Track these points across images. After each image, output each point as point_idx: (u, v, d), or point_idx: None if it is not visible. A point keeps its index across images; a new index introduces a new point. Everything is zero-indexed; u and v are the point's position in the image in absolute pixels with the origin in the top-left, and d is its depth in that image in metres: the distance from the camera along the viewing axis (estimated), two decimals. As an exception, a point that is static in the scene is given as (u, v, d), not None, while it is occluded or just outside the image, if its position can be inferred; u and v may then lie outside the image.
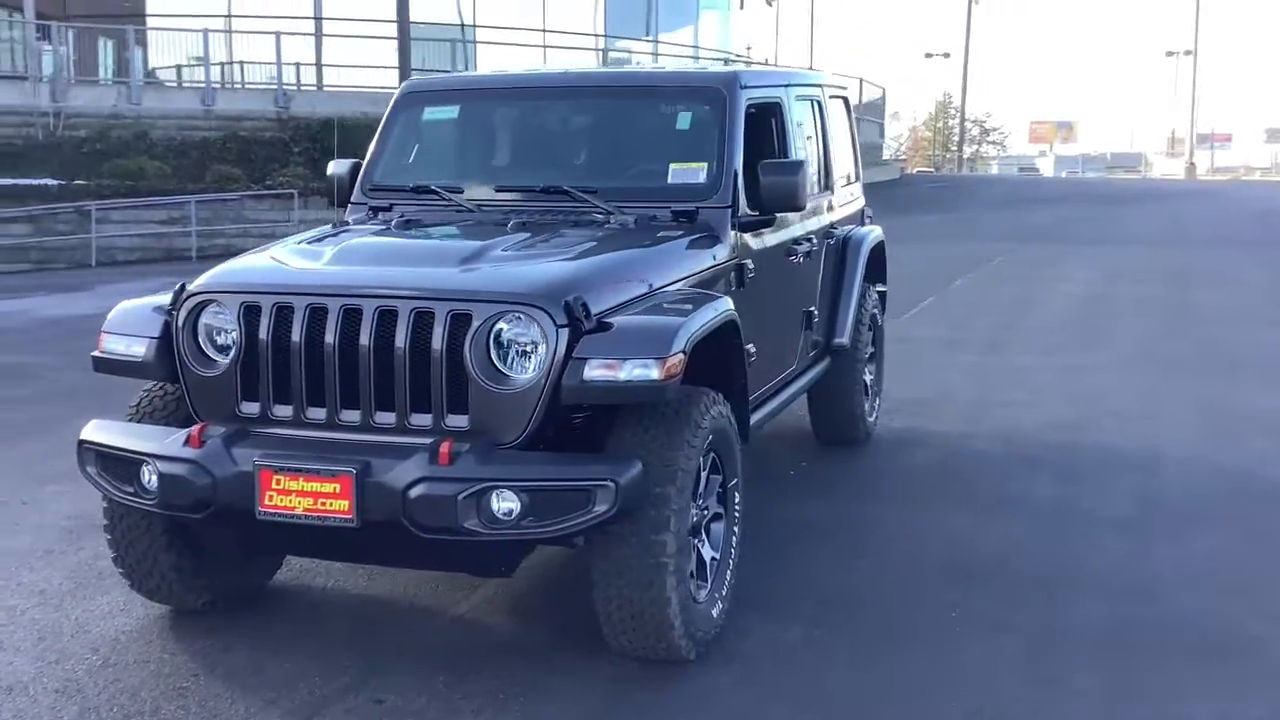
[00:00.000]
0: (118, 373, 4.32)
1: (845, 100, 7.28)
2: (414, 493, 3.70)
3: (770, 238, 5.39)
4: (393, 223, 4.95)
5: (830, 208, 6.48)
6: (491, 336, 3.88)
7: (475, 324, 3.86)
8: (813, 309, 6.03)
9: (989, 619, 4.53)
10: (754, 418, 5.30)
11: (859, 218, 7.22)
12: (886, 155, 44.63)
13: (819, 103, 6.47)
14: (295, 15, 27.46)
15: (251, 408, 4.07)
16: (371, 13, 27.38)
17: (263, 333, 4.03)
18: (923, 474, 6.54)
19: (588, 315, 3.87)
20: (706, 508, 4.32)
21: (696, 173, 5.03)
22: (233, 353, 4.08)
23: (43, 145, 22.31)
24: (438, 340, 3.87)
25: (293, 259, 4.41)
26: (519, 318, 3.87)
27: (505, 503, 3.72)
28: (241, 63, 28.56)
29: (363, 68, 26.91)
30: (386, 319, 3.92)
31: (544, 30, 30.45)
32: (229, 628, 4.51)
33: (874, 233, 6.99)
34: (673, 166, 5.09)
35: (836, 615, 4.61)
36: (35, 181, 20.90)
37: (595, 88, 5.57)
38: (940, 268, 15.43)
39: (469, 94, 5.61)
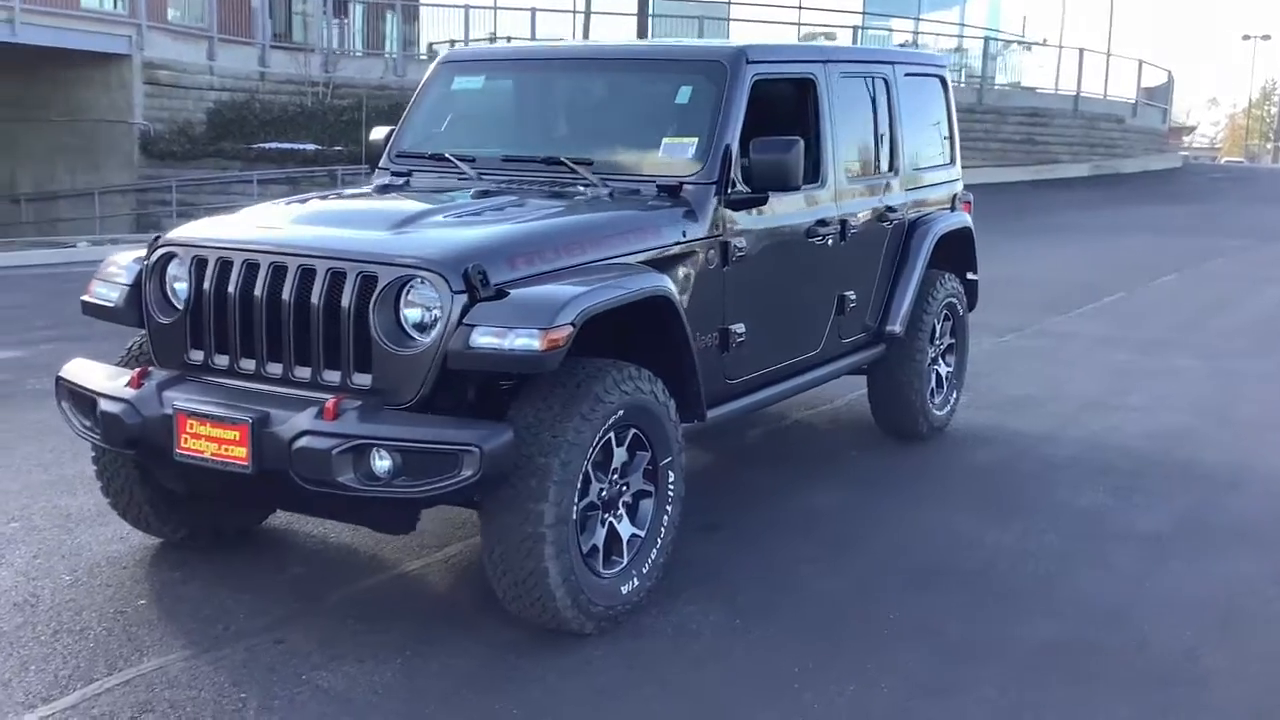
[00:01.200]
0: (99, 317, 4.65)
1: (942, 80, 6.98)
2: (297, 445, 3.85)
3: (777, 217, 5.27)
4: (374, 187, 5.13)
5: (890, 189, 6.25)
6: (395, 299, 3.98)
7: (380, 286, 3.97)
8: (848, 293, 5.85)
9: (921, 626, 4.33)
10: (748, 400, 5.24)
11: (949, 202, 6.93)
12: (1200, 143, 41.98)
13: (886, 80, 6.24)
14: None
15: (197, 356, 4.33)
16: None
17: (206, 284, 4.27)
18: (968, 474, 6.24)
19: (485, 283, 3.92)
20: (625, 484, 4.30)
21: (686, 147, 4.98)
22: (184, 303, 4.34)
23: (311, 112, 23.85)
24: (347, 300, 4.00)
25: (257, 217, 4.64)
26: (421, 282, 3.95)
27: (381, 461, 3.82)
28: (508, 38, 29.59)
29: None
30: (307, 277, 4.09)
31: (799, 7, 30.20)
32: (200, 563, 4.80)
33: (949, 219, 6.71)
34: (665, 140, 5.05)
35: (770, 606, 4.50)
36: (297, 146, 22.47)
37: (604, 60, 5.58)
38: (1152, 261, 14.55)
39: (496, 65, 5.73)
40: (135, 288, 4.53)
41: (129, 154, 22.08)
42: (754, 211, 5.08)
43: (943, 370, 6.85)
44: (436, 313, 3.93)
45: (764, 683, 3.90)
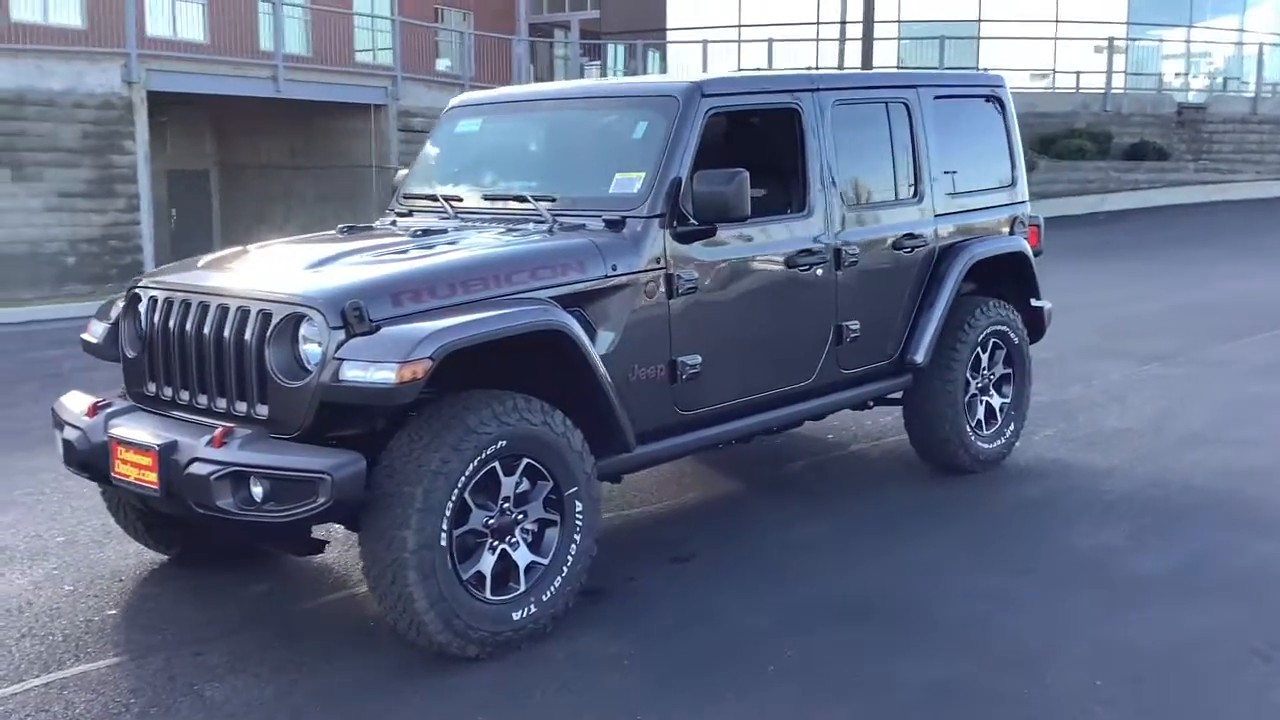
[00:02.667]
0: (90, 353, 5.15)
1: (998, 100, 6.74)
2: (187, 471, 4.19)
3: (743, 247, 5.26)
4: (337, 229, 5.45)
5: (912, 215, 6.09)
6: (289, 336, 4.26)
7: (273, 323, 4.27)
8: (849, 323, 5.73)
9: (809, 664, 4.24)
10: (711, 432, 5.25)
11: (1006, 226, 6.68)
12: None
13: (906, 105, 6.10)
14: (795, 22, 28.32)
15: (150, 388, 4.74)
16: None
17: (156, 322, 4.69)
18: (992, 509, 5.98)
19: (361, 319, 4.14)
20: (522, 513, 4.42)
21: (633, 182, 5.06)
22: (142, 339, 4.78)
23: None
24: (249, 336, 4.32)
25: (216, 260, 5.02)
26: (307, 320, 4.22)
27: (257, 487, 4.10)
28: (756, 68, 29.88)
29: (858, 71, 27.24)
30: (221, 316, 4.43)
31: (1056, 21, 29.13)
32: (186, 577, 5.22)
33: (991, 244, 6.45)
34: (617, 175, 5.14)
35: (677, 638, 4.50)
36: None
37: (576, 99, 5.70)
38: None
39: (490, 108, 5.94)
40: (113, 327, 4.99)
41: (387, 198, 23.50)
42: (707, 243, 5.08)
43: (995, 402, 6.58)
44: (317, 348, 4.18)
45: (603, 715, 3.92)
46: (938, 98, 6.30)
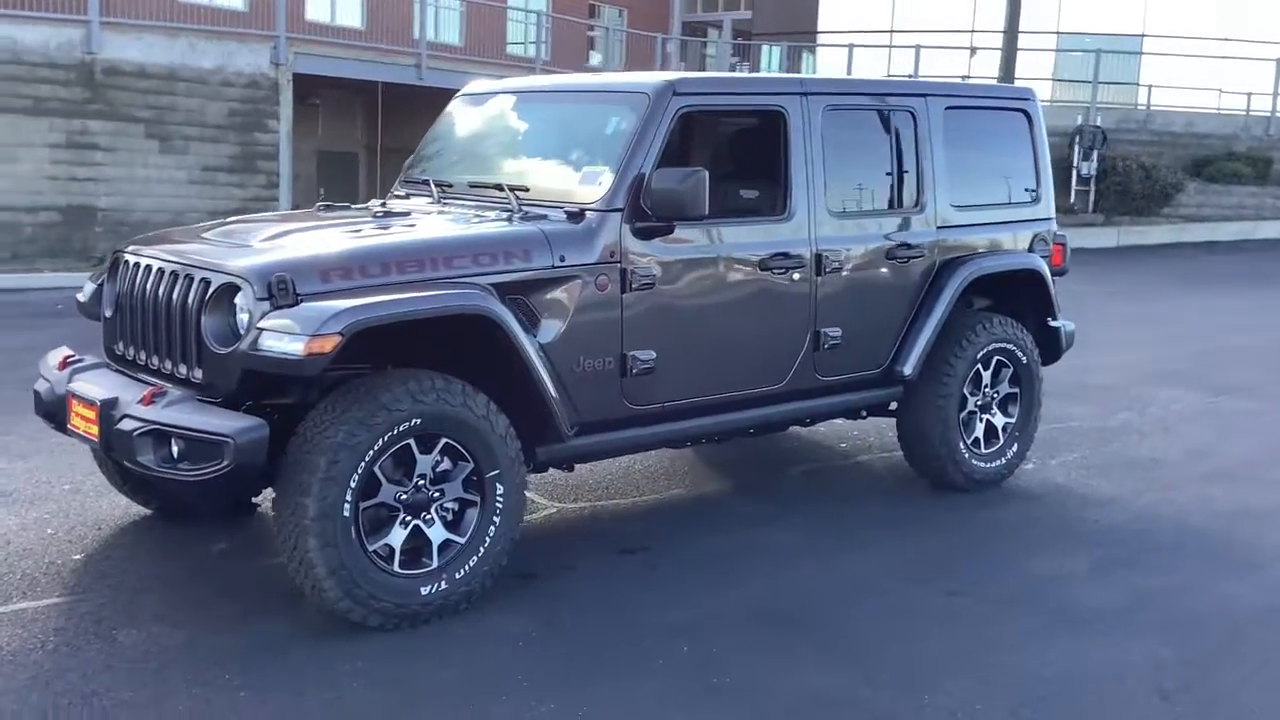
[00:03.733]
0: (81, 314, 5.44)
1: (1025, 114, 6.58)
2: (117, 426, 4.42)
3: (710, 247, 5.28)
4: (316, 206, 5.64)
5: (910, 226, 6.01)
6: (224, 304, 4.46)
7: (210, 291, 4.47)
8: (828, 330, 5.69)
9: (696, 664, 4.26)
10: (665, 428, 5.29)
11: (1025, 243, 6.53)
12: None
13: (912, 113, 6.02)
14: (948, 29, 27.84)
15: (119, 347, 5.01)
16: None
17: (124, 285, 4.95)
18: (965, 529, 5.85)
19: (286, 293, 4.30)
20: (439, 491, 4.53)
21: (597, 175, 5.13)
22: (115, 301, 5.05)
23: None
24: (190, 302, 4.53)
25: (197, 230, 5.26)
26: (239, 290, 4.41)
27: (174, 446, 4.31)
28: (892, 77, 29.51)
29: (1028, 79, 26.65)
30: (172, 281, 4.66)
31: (1220, 39, 27.99)
32: (157, 530, 5.48)
33: (998, 260, 6.32)
34: (585, 169, 5.22)
35: (577, 627, 4.56)
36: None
37: (561, 93, 5.77)
38: None
39: (489, 99, 6.06)
40: (101, 288, 5.28)
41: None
42: (668, 240, 5.11)
43: (997, 421, 6.43)
44: (246, 318, 4.36)
45: (464, 699, 3.99)
46: (951, 108, 6.18)
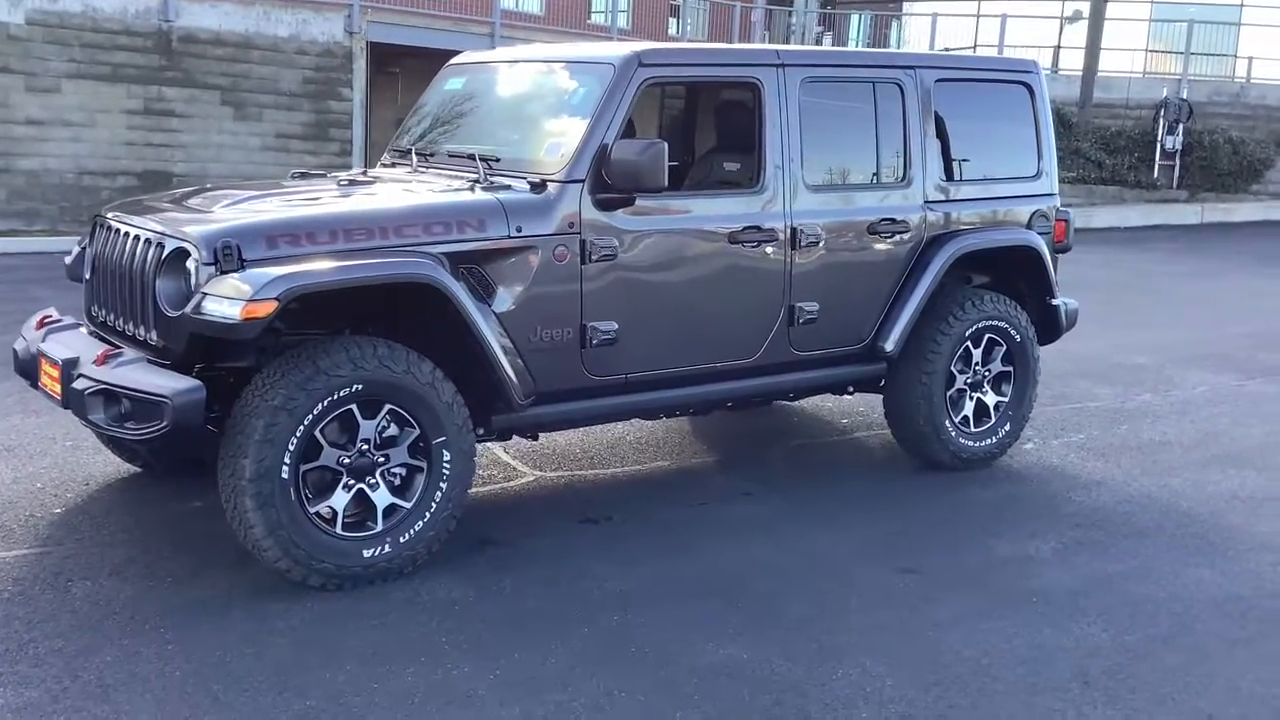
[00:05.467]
0: (69, 276, 5.60)
1: (1027, 86, 6.45)
2: (72, 385, 4.57)
3: (674, 219, 5.28)
4: (290, 174, 5.73)
5: (893, 200, 5.94)
6: (175, 268, 4.57)
7: (163, 256, 4.59)
8: (803, 304, 5.65)
9: (619, 634, 4.30)
10: (627, 399, 5.32)
11: (1024, 219, 6.41)
12: None
13: (899, 85, 5.94)
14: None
15: (94, 310, 5.17)
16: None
17: (97, 248, 5.10)
18: (939, 507, 5.78)
19: (230, 258, 4.40)
20: (385, 456, 4.61)
21: (558, 146, 5.15)
22: (92, 264, 5.21)
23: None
24: (148, 267, 4.66)
25: (170, 195, 5.39)
26: (189, 255, 4.52)
27: (121, 405, 4.44)
28: (991, 46, 28.95)
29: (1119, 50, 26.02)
30: (135, 246, 4.79)
31: (1325, 10, 26.96)
32: (141, 488, 5.65)
33: (989, 235, 6.21)
34: (548, 139, 5.24)
35: (516, 595, 4.61)
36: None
37: (534, 63, 5.77)
38: None
39: (473, 68, 6.10)
40: (81, 251, 5.44)
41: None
42: (631, 212, 5.12)
43: (989, 400, 6.34)
44: (195, 282, 4.47)
45: (382, 660, 4.06)
46: (942, 80, 6.08)
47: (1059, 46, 27.65)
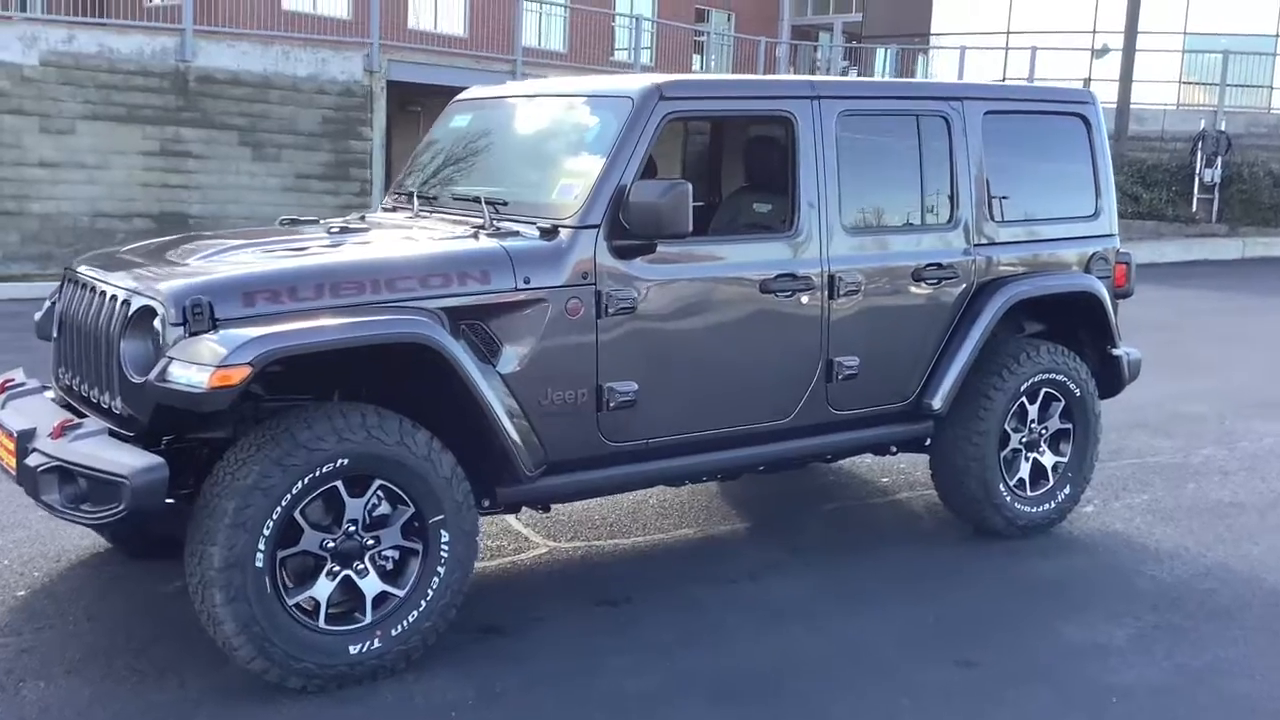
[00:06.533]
0: (38, 335, 5.12)
1: (1083, 119, 5.92)
2: (24, 461, 4.07)
3: (700, 267, 4.77)
4: (278, 221, 5.25)
5: (939, 244, 5.41)
6: (141, 328, 4.08)
7: (129, 314, 4.10)
8: (843, 359, 5.12)
9: None
10: (649, 467, 4.82)
11: (1081, 263, 5.86)
12: None
13: (945, 119, 5.42)
14: (1068, 30, 26.75)
15: (60, 372, 4.68)
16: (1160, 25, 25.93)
17: (62, 304, 4.62)
18: (996, 584, 5.21)
19: (201, 318, 3.90)
20: (375, 539, 4.10)
21: (571, 188, 4.65)
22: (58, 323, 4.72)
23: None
24: (114, 326, 4.16)
25: (144, 247, 4.91)
26: (156, 314, 4.03)
27: (77, 484, 3.94)
28: (1020, 79, 28.45)
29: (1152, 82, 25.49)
30: (100, 303, 4.30)
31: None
32: (115, 565, 5.14)
33: (1045, 281, 5.67)
34: (562, 180, 4.74)
35: (523, 693, 4.09)
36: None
37: (545, 98, 5.28)
38: None
39: (480, 104, 5.61)
40: (49, 310, 4.96)
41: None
42: (651, 260, 4.61)
43: (1046, 460, 5.77)
44: (163, 345, 3.97)
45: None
46: (991, 113, 5.55)
47: (1089, 79, 27.09)
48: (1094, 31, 28.10)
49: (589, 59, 25.52)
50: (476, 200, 4.89)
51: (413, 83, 19.80)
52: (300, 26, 21.68)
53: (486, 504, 4.55)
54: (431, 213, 5.17)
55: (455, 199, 5.19)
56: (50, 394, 4.71)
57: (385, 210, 5.58)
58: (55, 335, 4.73)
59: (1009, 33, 28.77)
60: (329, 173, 18.31)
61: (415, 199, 5.29)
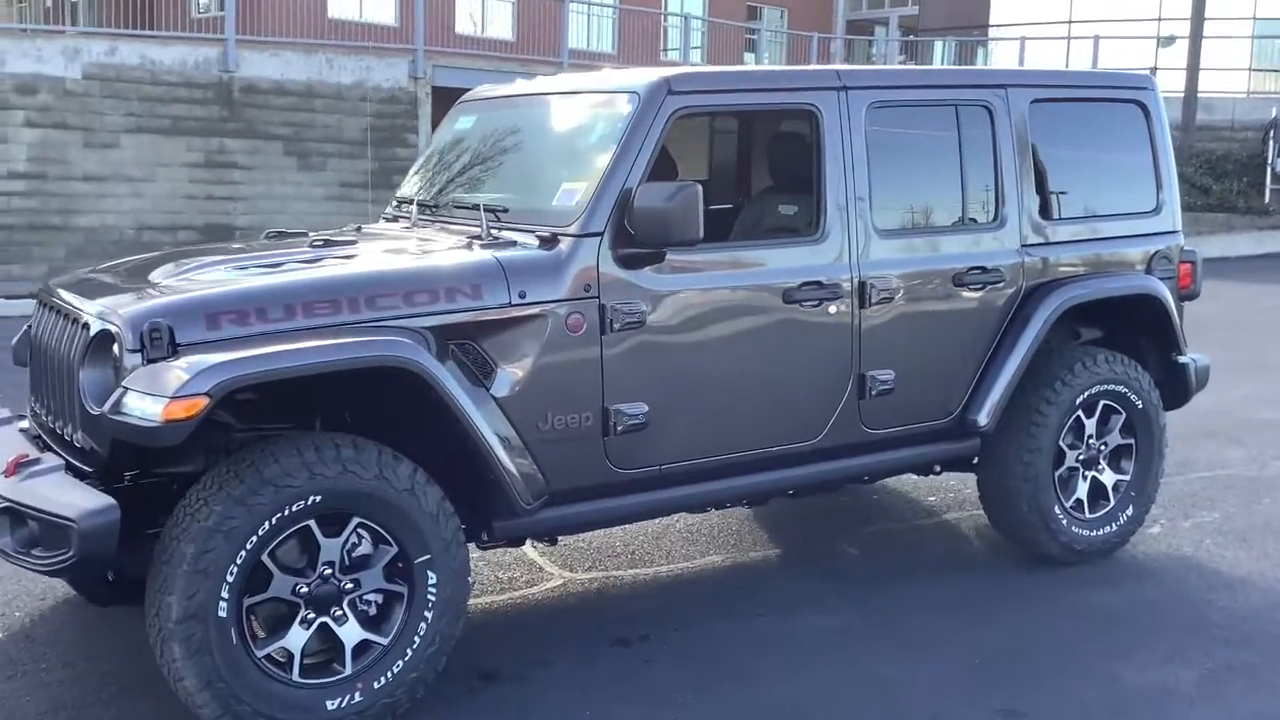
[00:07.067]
0: (16, 364, 4.81)
1: (1141, 105, 5.44)
2: (-26, 501, 3.75)
3: (717, 276, 4.37)
4: (264, 234, 4.91)
5: (984, 245, 4.97)
6: (100, 355, 3.75)
7: (89, 341, 3.78)
8: (877, 373, 4.69)
9: None
10: (666, 495, 4.42)
11: (1142, 262, 5.38)
12: None
13: (988, 109, 4.97)
14: (1133, 19, 25.97)
15: (32, 401, 4.38)
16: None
17: (32, 330, 4.32)
18: (1049, 616, 4.74)
19: (159, 343, 3.56)
20: (354, 582, 3.74)
21: (573, 193, 4.27)
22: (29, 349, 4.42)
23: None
24: (74, 353, 3.85)
25: (118, 266, 4.58)
26: (114, 339, 3.70)
27: (27, 526, 3.62)
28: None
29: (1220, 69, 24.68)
30: (64, 328, 3.99)
31: None
32: (86, 613, 4.79)
33: (1104, 284, 5.20)
34: (563, 185, 4.36)
35: None
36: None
37: (550, 96, 4.89)
38: None
39: (486, 104, 5.24)
40: (24, 335, 4.65)
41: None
42: (660, 270, 4.22)
43: (1106, 479, 5.30)
44: (120, 372, 3.64)
45: None
46: (1039, 101, 5.09)
47: (1155, 68, 26.27)
48: (1159, 19, 27.26)
49: (638, 59, 25.13)
50: (476, 207, 4.52)
51: (459, 88, 19.46)
52: (346, 34, 21.54)
53: (485, 538, 4.18)
54: (432, 222, 4.82)
55: (457, 207, 4.83)
56: (24, 424, 4.40)
57: (386, 220, 5.23)
58: (29, 361, 4.43)
59: (1070, 22, 28.01)
60: (375, 180, 18.05)
61: (415, 207, 4.93)
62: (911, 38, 30.07)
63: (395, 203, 5.27)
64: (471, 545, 4.17)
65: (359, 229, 5.04)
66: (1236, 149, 22.04)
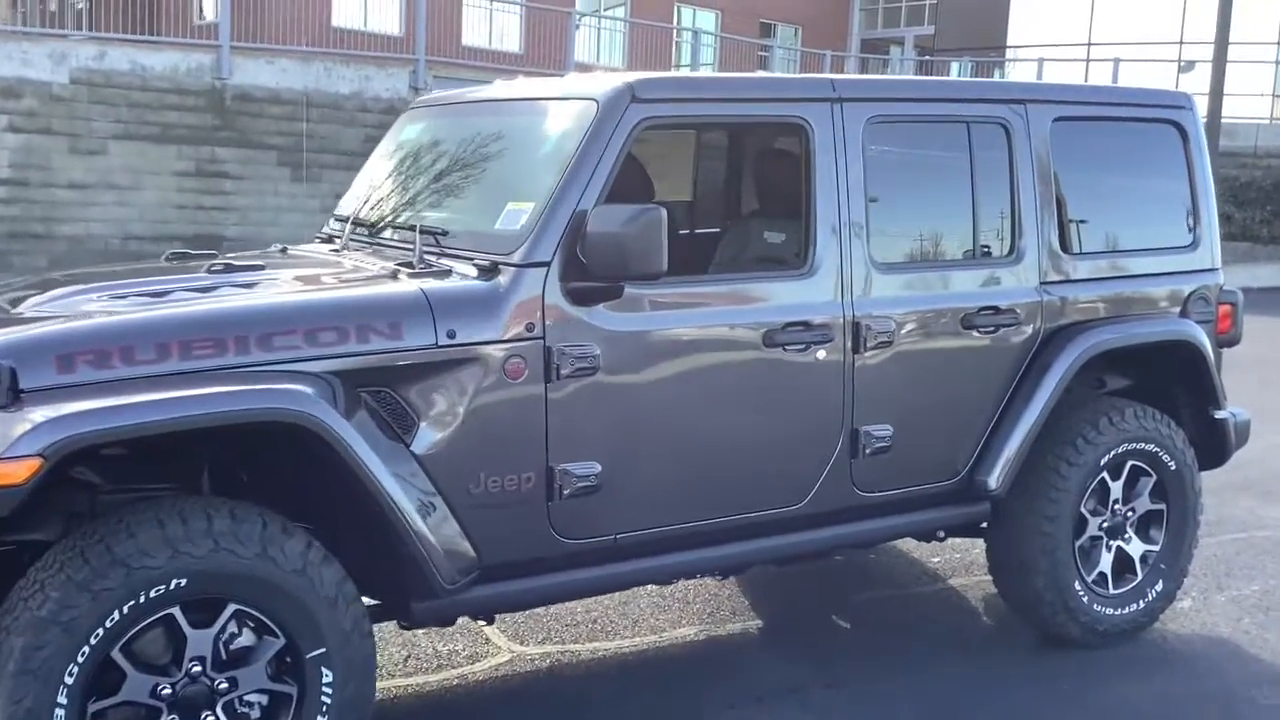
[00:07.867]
0: None
1: (1178, 126, 4.80)
2: None
3: (683, 315, 3.74)
4: (164, 256, 4.30)
5: (997, 282, 4.34)
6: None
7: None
8: (872, 428, 4.05)
9: None
10: (627, 567, 3.78)
11: (1176, 303, 4.74)
12: None
13: (1004, 127, 4.34)
14: (1154, 41, 25.36)
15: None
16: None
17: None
18: (1066, 715, 4.10)
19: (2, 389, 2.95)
20: (230, 680, 3.10)
21: (519, 215, 3.65)
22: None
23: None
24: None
25: (24, 285, 3.99)
26: (-43, 383, 3.07)
27: None
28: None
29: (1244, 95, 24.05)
30: None
31: None
32: None
33: (1132, 329, 4.58)
34: (509, 205, 3.73)
35: None
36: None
37: (507, 102, 4.28)
38: None
39: (435, 111, 4.64)
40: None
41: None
42: (615, 307, 3.59)
43: (1133, 550, 4.65)
44: (-39, 422, 3.02)
45: None
46: (1063, 119, 4.46)
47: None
48: (1181, 42, 26.63)
49: (647, 70, 24.59)
50: (414, 229, 3.90)
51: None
52: (350, 44, 21.07)
53: (405, 623, 3.56)
54: (369, 244, 4.20)
55: (394, 228, 4.21)
56: None
57: (320, 240, 4.61)
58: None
59: (1090, 44, 27.39)
60: (371, 194, 17.45)
61: (349, 226, 4.31)
62: (927, 57, 29.49)
63: (333, 220, 4.65)
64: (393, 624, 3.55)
65: (283, 250, 4.43)
66: (1260, 176, 21.41)
